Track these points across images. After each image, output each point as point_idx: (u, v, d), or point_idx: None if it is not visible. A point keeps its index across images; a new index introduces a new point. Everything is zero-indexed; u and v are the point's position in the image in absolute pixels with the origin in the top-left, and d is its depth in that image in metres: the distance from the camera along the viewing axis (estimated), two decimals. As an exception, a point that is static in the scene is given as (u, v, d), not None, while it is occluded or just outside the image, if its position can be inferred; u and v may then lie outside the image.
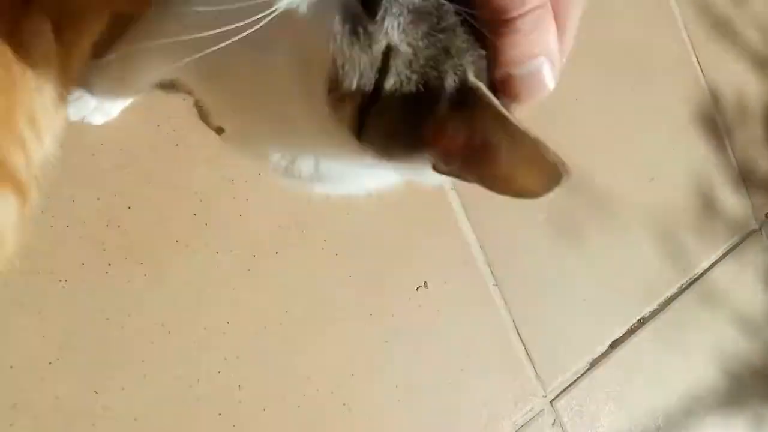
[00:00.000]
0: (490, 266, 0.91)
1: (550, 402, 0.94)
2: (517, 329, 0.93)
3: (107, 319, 0.66)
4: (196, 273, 0.71)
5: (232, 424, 0.71)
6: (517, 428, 0.90)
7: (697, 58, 1.22)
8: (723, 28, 1.30)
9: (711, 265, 1.17)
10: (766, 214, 1.29)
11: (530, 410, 0.92)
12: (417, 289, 0.85)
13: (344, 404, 0.77)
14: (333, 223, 0.80)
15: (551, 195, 0.33)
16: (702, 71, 1.23)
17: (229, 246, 0.73)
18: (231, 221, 0.74)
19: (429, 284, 0.86)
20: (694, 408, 1.09)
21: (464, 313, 0.88)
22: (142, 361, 0.67)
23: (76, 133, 0.64)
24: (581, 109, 1.04)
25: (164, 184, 0.70)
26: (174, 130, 0.70)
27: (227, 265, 0.73)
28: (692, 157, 1.20)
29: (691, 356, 1.11)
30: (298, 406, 0.75)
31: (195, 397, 0.70)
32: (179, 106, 0.69)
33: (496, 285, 0.92)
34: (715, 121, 1.22)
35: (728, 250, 1.20)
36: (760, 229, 1.26)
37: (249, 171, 0.74)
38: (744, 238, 1.23)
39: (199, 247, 0.72)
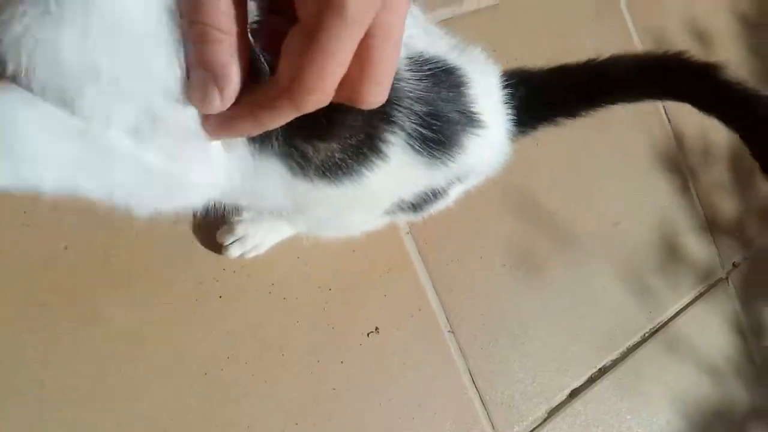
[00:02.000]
0: (445, 312, 0.90)
1: (505, 453, 0.92)
2: (472, 377, 0.91)
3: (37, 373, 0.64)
4: (136, 317, 0.70)
5: (165, 474, 0.69)
6: (469, 480, 0.88)
7: (662, 104, 1.23)
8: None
9: (676, 313, 1.16)
10: (733, 263, 1.29)
11: (483, 461, 0.90)
12: (368, 335, 0.84)
13: (286, 455, 0.75)
14: (281, 267, 0.78)
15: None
16: (666, 114, 1.23)
17: (171, 292, 0.72)
18: (174, 263, 0.73)
19: (380, 330, 0.84)
20: (654, 460, 1.07)
21: (417, 361, 0.87)
22: (78, 402, 0.65)
23: None
24: (543, 154, 1.04)
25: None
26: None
27: (170, 309, 0.71)
28: (657, 201, 1.20)
29: (653, 405, 1.09)
30: (237, 457, 0.73)
31: (127, 446, 0.68)
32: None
33: (451, 332, 0.90)
34: (679, 165, 1.23)
35: (694, 299, 1.19)
36: (727, 277, 1.26)
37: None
38: (711, 286, 1.23)
39: (139, 292, 0.70)
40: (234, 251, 0.74)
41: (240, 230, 0.73)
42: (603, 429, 1.02)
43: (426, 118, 0.49)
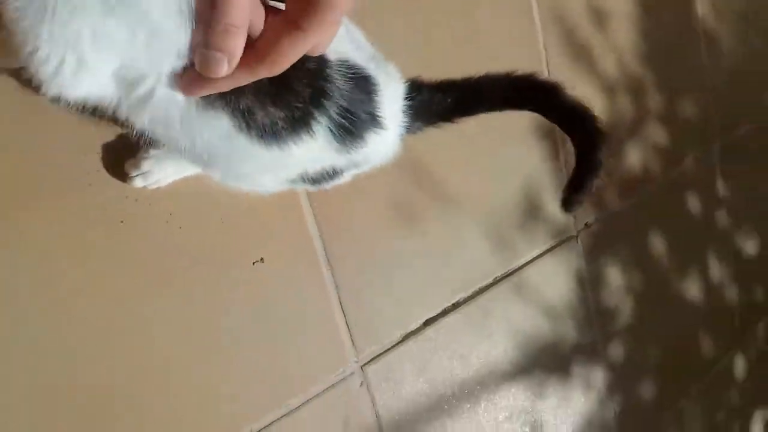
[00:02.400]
0: (325, 249, 1.04)
1: (361, 366, 1.10)
2: (341, 304, 1.07)
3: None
4: (38, 234, 0.79)
5: (63, 370, 0.81)
6: (327, 386, 1.06)
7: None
8: (581, 52, 1.45)
9: (527, 262, 1.36)
10: (586, 224, 1.50)
11: (342, 372, 1.08)
12: (253, 263, 0.96)
13: (164, 363, 0.89)
14: (181, 199, 0.88)
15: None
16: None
17: (76, 211, 0.81)
18: (80, 186, 0.81)
19: (265, 260, 0.97)
20: (486, 380, 1.30)
21: (295, 288, 1.01)
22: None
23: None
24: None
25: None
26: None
27: (72, 228, 0.81)
28: (527, 166, 1.36)
29: (494, 337, 1.31)
30: (123, 359, 0.86)
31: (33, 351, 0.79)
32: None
33: (329, 265, 1.05)
34: (555, 134, 1.39)
35: (545, 252, 1.40)
36: (577, 236, 1.47)
37: (107, 140, 0.81)
38: (562, 242, 1.44)
39: (46, 209, 0.79)
40: (137, 183, 0.83)
41: (145, 166, 0.82)
42: (447, 352, 1.23)
43: (345, 112, 0.64)
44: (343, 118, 0.64)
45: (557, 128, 0.82)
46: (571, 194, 0.82)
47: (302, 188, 0.76)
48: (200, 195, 0.90)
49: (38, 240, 0.79)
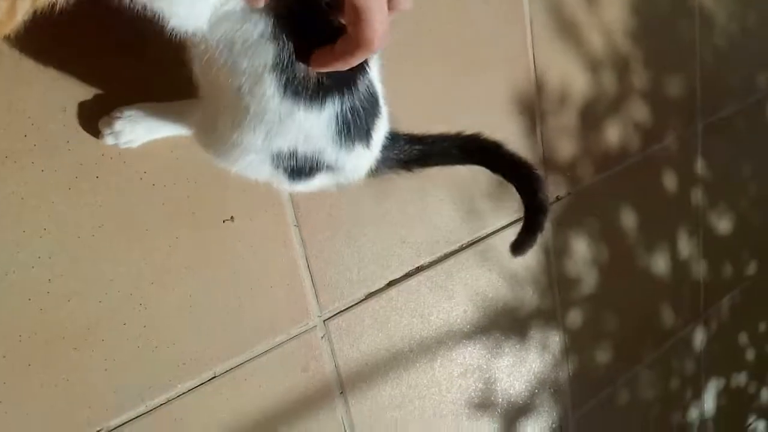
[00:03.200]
0: (294, 208, 1.10)
1: (324, 321, 1.18)
2: (308, 262, 1.14)
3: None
4: (20, 185, 0.84)
5: (39, 308, 0.89)
6: (290, 337, 1.14)
7: (533, 54, 1.40)
8: (568, 30, 1.47)
9: (493, 231, 1.42)
10: (557, 197, 1.55)
11: (305, 324, 1.16)
12: (224, 221, 1.03)
13: (140, 304, 0.96)
14: (156, 158, 0.94)
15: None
16: (535, 65, 1.40)
17: (54, 165, 0.86)
18: (60, 145, 0.86)
19: (235, 219, 1.03)
20: (444, 338, 1.38)
21: (263, 246, 1.07)
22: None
23: None
24: (415, 88, 1.20)
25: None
26: None
27: (50, 182, 0.86)
28: (505, 135, 1.39)
29: (455, 299, 1.39)
30: (100, 302, 0.93)
31: (8, 284, 0.86)
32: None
33: (297, 225, 1.11)
34: (533, 108, 1.43)
35: (513, 222, 1.45)
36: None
37: (84, 99, 0.86)
38: (530, 213, 1.49)
39: (26, 164, 0.84)
40: (108, 141, 0.88)
41: (117, 126, 0.87)
42: (408, 311, 1.31)
43: (354, 113, 0.72)
44: (351, 115, 0.72)
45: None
46: (523, 238, 0.94)
47: (280, 181, 0.81)
48: (174, 156, 0.95)
49: (15, 194, 0.85)
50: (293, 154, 0.77)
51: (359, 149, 0.77)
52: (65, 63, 0.86)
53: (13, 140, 0.83)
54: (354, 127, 0.74)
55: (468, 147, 0.93)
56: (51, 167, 0.86)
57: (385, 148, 0.86)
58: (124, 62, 0.90)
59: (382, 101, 0.78)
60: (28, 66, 0.83)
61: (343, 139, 0.74)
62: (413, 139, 0.92)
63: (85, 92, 0.88)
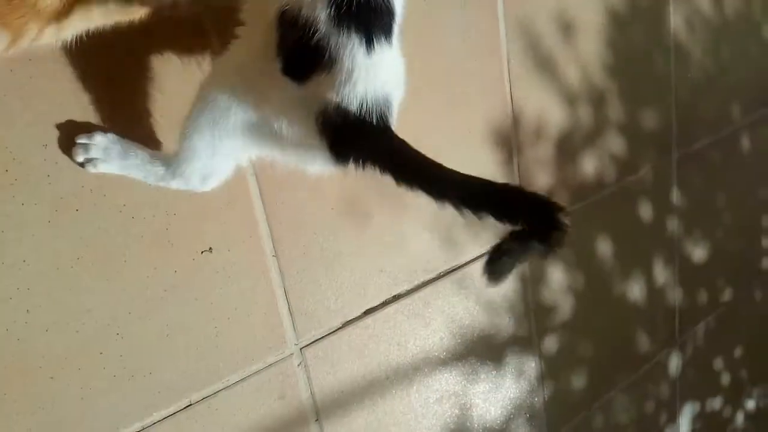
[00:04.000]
0: (273, 240, 1.12)
1: (301, 349, 1.20)
2: (285, 292, 1.16)
3: None
4: (1, 219, 0.86)
5: (17, 338, 0.90)
6: (266, 365, 1.16)
7: (510, 88, 1.44)
8: (545, 65, 1.51)
9: (470, 260, 1.45)
10: (533, 225, 1.58)
11: (281, 353, 1.18)
12: (202, 252, 1.05)
13: (117, 334, 0.98)
14: (134, 192, 0.96)
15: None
16: (512, 98, 1.44)
17: (34, 199, 0.88)
18: (41, 179, 0.88)
19: (213, 250, 1.05)
20: (421, 365, 1.40)
21: (241, 276, 1.09)
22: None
23: None
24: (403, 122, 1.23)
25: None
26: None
27: (31, 215, 0.88)
28: (482, 166, 1.43)
29: (432, 326, 1.41)
30: (77, 332, 0.94)
31: (-14, 314, 0.87)
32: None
33: (275, 256, 1.13)
34: (510, 140, 1.46)
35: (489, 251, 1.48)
36: (523, 236, 1.55)
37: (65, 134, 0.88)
38: (507, 241, 1.52)
39: (7, 197, 0.86)
40: (79, 158, 0.90)
41: (93, 152, 0.89)
42: (385, 339, 1.33)
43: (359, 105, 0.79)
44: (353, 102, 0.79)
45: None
46: (503, 265, 0.86)
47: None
48: (153, 188, 0.97)
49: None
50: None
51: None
52: (47, 99, 0.88)
53: (-7, 175, 0.85)
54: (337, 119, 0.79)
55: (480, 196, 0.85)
56: (31, 201, 0.88)
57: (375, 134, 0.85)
58: (108, 97, 0.92)
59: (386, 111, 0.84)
60: (11, 102, 0.85)
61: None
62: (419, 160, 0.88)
63: (67, 128, 0.90)
